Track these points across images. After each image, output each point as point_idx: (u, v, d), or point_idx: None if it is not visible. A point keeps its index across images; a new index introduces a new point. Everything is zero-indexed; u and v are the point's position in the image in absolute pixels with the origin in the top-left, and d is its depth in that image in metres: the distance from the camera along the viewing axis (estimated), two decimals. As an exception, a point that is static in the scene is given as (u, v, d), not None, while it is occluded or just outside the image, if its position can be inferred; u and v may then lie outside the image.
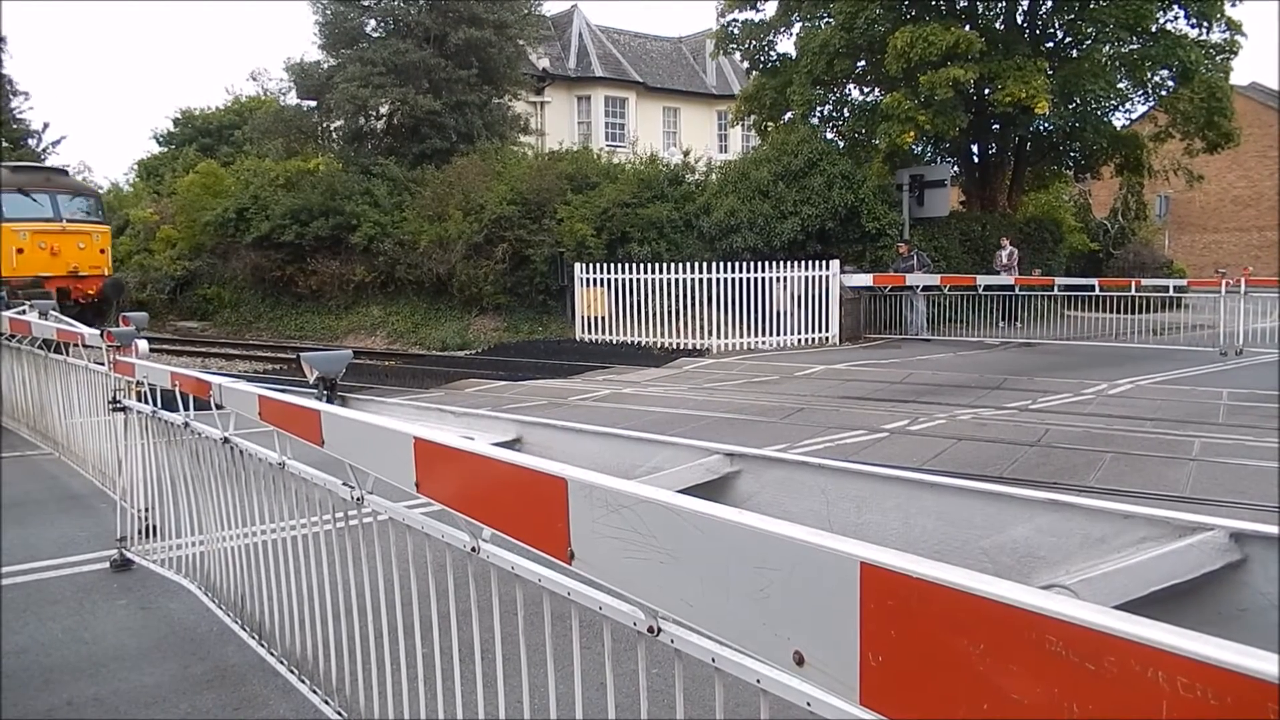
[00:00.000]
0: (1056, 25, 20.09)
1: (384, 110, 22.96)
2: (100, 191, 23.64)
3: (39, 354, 7.99)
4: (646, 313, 16.72)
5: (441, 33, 22.03)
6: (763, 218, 17.61)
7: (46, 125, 35.19)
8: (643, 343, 16.58)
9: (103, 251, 19.81)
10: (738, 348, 16.20)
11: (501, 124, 24.16)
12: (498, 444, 2.36)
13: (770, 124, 22.16)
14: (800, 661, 1.14)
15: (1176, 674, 0.77)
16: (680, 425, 8.66)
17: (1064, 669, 0.85)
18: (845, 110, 21.87)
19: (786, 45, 21.72)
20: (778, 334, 16.54)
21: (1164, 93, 19.70)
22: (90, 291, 19.09)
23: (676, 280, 16.52)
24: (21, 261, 18.57)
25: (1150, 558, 1.35)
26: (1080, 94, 19.03)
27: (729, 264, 16.46)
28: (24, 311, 8.74)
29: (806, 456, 2.01)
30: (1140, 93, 20.33)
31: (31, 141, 33.08)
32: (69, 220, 19.09)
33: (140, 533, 5.10)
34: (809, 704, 1.31)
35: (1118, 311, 18.25)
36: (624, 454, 2.34)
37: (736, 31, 21.80)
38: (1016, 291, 17.65)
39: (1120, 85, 19.65)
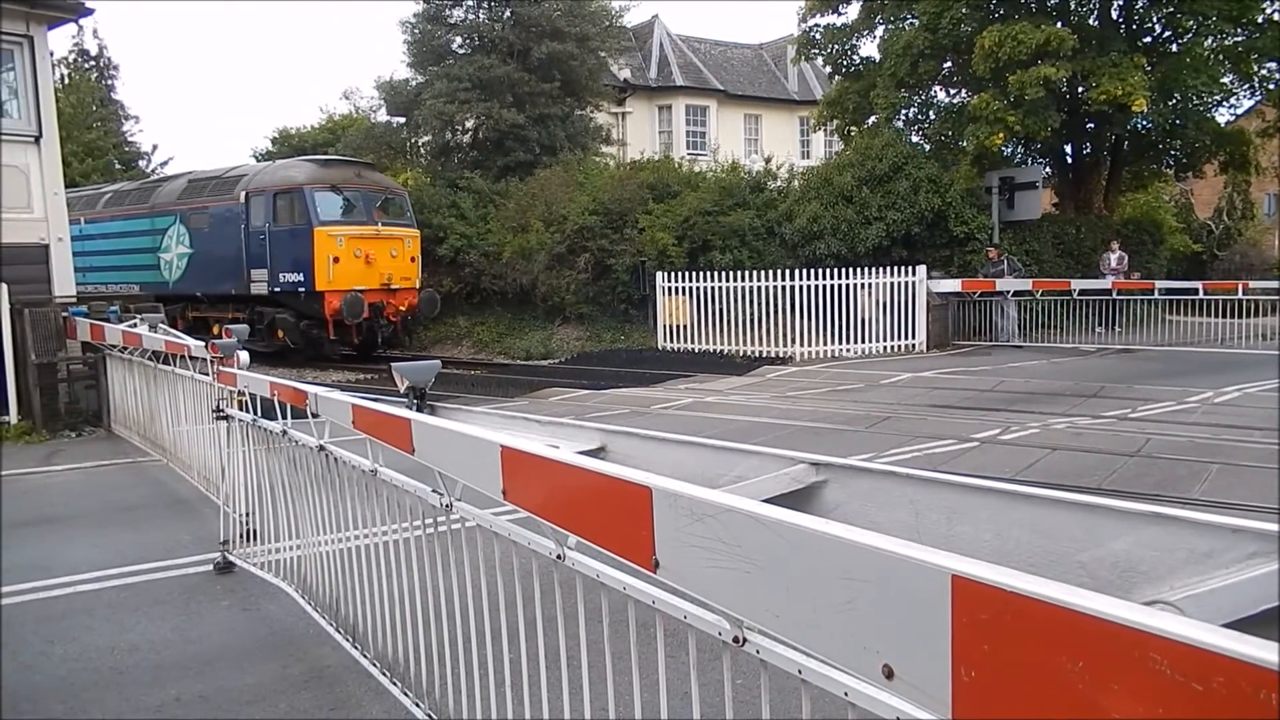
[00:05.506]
0: (1154, 19, 19.32)
1: (469, 125, 23.44)
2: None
3: (149, 365, 8.40)
4: (729, 321, 16.63)
5: (525, 47, 22.42)
6: (846, 224, 17.38)
7: (155, 147, 37.17)
8: (725, 351, 16.48)
9: (413, 260, 17.58)
10: (822, 356, 16.00)
11: (583, 135, 24.44)
12: (582, 452, 2.39)
13: (853, 129, 21.87)
14: (890, 675, 1.12)
15: (1292, 697, 0.73)
16: (763, 434, 8.60)
17: (1169, 689, 0.82)
18: (931, 113, 21.45)
19: (869, 48, 21.48)
20: (863, 341, 16.27)
21: (1271, 86, 18.79)
22: (403, 307, 17.09)
23: (759, 288, 16.41)
24: (338, 273, 16.02)
25: (1261, 574, 1.28)
26: (1181, 90, 18.25)
27: (812, 271, 16.28)
28: (135, 325, 9.21)
29: (894, 466, 1.97)
30: (1246, 86, 19.42)
31: (142, 163, 34.85)
32: (383, 224, 16.72)
33: (241, 536, 5.31)
34: (898, 718, 1.29)
35: (1224, 315, 17.41)
36: (707, 463, 2.34)
37: (818, 36, 21.60)
38: (1114, 296, 17.02)
39: (1224, 80, 18.78)
